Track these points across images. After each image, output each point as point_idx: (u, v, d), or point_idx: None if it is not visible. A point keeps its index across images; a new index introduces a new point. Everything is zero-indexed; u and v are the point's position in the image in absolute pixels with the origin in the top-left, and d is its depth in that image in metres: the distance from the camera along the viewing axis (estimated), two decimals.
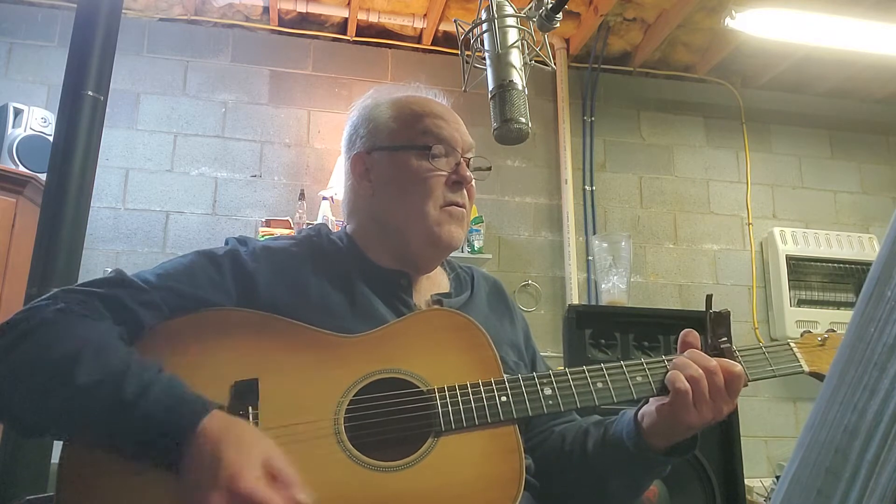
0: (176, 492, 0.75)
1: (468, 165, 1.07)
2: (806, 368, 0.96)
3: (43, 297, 0.85)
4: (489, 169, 1.13)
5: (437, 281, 1.12)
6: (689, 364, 0.87)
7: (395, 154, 1.04)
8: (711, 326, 0.95)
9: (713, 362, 0.88)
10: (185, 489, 0.72)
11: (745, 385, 0.91)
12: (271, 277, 0.95)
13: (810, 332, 1.02)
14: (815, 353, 0.97)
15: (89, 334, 0.80)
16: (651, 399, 0.92)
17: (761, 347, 0.96)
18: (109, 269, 0.93)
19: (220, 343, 0.87)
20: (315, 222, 2.95)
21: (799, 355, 0.97)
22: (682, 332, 0.95)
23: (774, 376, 0.95)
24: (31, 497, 0.94)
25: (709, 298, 0.97)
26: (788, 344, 0.98)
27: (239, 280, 0.94)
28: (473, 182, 1.07)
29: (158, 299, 0.88)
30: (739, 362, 0.92)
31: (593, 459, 0.96)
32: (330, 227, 1.15)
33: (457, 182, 1.03)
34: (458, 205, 1.04)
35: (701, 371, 0.86)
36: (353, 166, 1.09)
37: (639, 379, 0.91)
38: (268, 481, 0.71)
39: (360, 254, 1.06)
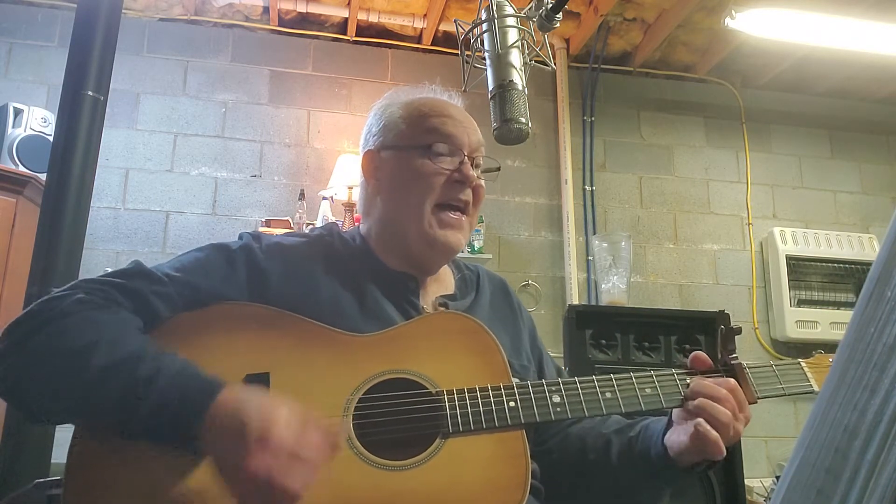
0: (183, 482, 0.75)
1: (476, 166, 1.06)
2: (816, 388, 0.96)
3: (64, 287, 0.86)
4: (498, 169, 1.13)
5: (443, 282, 1.12)
6: (721, 411, 0.88)
7: (401, 153, 1.05)
8: (722, 342, 0.96)
9: (726, 396, 0.89)
10: (220, 463, 0.73)
11: (755, 402, 0.92)
12: (283, 275, 0.96)
13: (821, 352, 1.01)
14: (826, 373, 0.97)
15: (107, 323, 0.81)
16: (674, 419, 0.93)
17: (771, 365, 0.97)
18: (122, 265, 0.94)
19: (232, 337, 0.88)
20: (315, 222, 2.95)
21: (809, 375, 0.97)
22: (692, 356, 0.97)
23: (784, 395, 0.95)
24: (41, 481, 0.95)
25: (722, 316, 1.00)
26: (799, 363, 0.99)
27: (251, 276, 0.95)
28: (483, 182, 1.07)
29: (174, 292, 0.89)
30: (749, 378, 0.94)
31: (620, 471, 0.98)
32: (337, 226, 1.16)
33: (458, 181, 1.03)
34: (457, 203, 1.04)
35: (731, 416, 0.88)
36: (364, 164, 1.11)
37: (647, 391, 0.92)
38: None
39: (371, 255, 1.07)
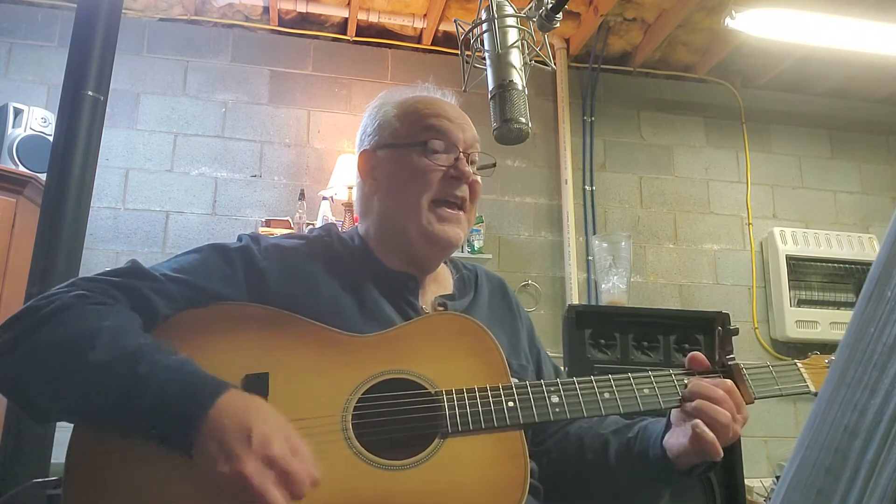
0: (182, 481, 0.75)
1: (471, 162, 1.06)
2: (813, 389, 0.97)
3: (62, 284, 0.86)
4: (494, 165, 1.13)
5: (442, 282, 1.12)
6: (720, 412, 0.88)
7: (396, 151, 1.06)
8: (720, 343, 0.96)
9: (724, 397, 0.90)
10: (207, 461, 0.72)
11: (752, 403, 0.93)
12: (282, 276, 0.96)
13: (817, 353, 1.02)
14: (822, 374, 0.98)
15: (106, 318, 0.81)
16: (672, 420, 0.93)
17: (768, 366, 0.98)
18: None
19: (232, 336, 0.88)
20: (315, 222, 2.95)
21: (806, 375, 0.98)
22: (689, 357, 0.97)
23: (781, 395, 0.96)
24: (39, 480, 0.95)
25: (721, 317, 1.00)
26: (796, 364, 0.99)
27: (250, 276, 0.95)
28: (479, 179, 1.07)
29: (174, 291, 0.89)
30: (746, 379, 0.94)
31: (618, 472, 0.98)
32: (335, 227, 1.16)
33: (455, 177, 1.03)
34: (454, 199, 1.04)
35: (729, 416, 0.88)
36: (360, 164, 1.11)
37: (646, 391, 0.92)
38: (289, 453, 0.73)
39: (370, 255, 1.07)
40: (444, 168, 1.03)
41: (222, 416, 0.73)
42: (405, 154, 1.04)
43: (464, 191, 1.04)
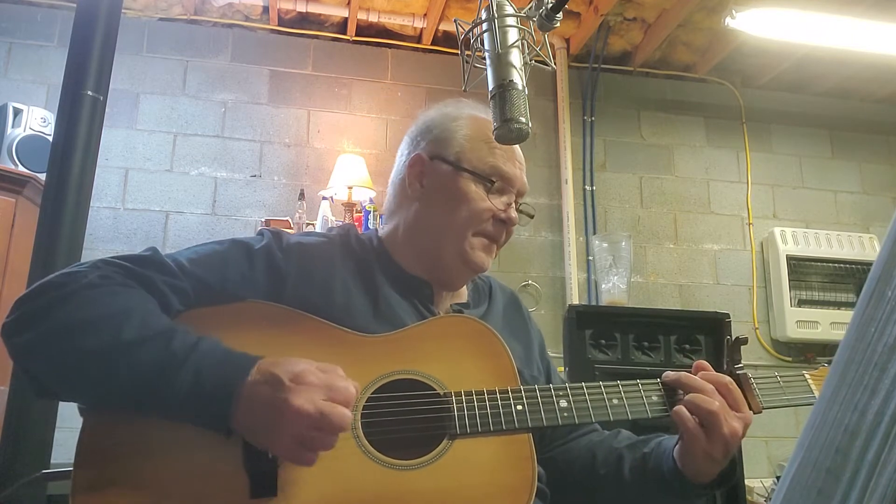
0: (191, 477, 0.76)
1: (519, 211, 1.09)
2: None
3: (82, 263, 0.87)
4: (532, 217, 1.14)
5: (457, 291, 1.13)
6: (706, 401, 0.88)
7: (457, 173, 1.05)
8: (729, 352, 0.97)
9: (718, 377, 0.90)
10: (255, 421, 0.75)
11: (759, 412, 0.93)
12: (300, 274, 0.96)
13: (826, 365, 1.03)
14: None
15: (133, 300, 0.82)
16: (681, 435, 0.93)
17: (776, 376, 0.98)
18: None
19: (242, 334, 0.88)
20: (315, 222, 2.95)
21: (813, 387, 0.99)
22: (695, 365, 0.97)
23: (789, 405, 0.96)
24: (47, 472, 0.95)
25: (724, 323, 1.01)
26: (803, 375, 1.00)
27: (270, 276, 0.95)
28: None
29: (188, 287, 0.89)
30: (754, 389, 0.94)
31: (631, 486, 0.98)
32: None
33: (503, 220, 1.05)
34: (495, 237, 1.06)
35: (717, 404, 0.88)
36: (410, 164, 1.09)
37: (654, 398, 0.93)
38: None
39: (388, 257, 1.07)
40: (496, 209, 1.04)
41: (257, 381, 0.76)
42: (466, 180, 1.04)
43: (503, 232, 1.08)
